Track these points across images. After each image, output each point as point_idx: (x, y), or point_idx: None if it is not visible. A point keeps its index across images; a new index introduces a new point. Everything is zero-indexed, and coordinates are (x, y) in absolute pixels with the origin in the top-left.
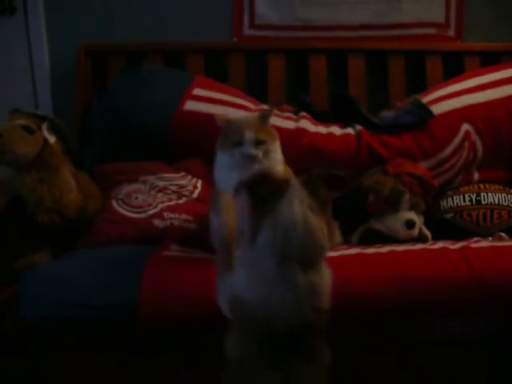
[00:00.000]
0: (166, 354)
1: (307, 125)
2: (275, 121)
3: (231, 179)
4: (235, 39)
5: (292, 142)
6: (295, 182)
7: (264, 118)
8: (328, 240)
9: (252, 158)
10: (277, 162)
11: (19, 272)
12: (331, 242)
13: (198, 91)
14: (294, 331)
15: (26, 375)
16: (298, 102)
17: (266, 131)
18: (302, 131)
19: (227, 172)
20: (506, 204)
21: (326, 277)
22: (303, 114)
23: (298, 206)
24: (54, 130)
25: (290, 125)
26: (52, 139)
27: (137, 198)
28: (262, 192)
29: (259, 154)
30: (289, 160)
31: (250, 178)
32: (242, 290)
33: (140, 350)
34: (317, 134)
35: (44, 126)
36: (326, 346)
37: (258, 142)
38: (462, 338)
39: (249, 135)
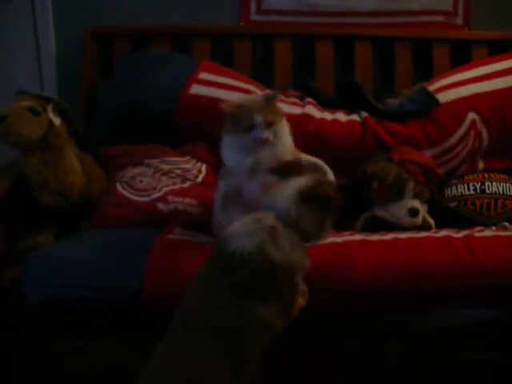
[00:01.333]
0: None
1: (313, 111)
2: (281, 106)
3: (245, 162)
4: (242, 24)
5: (298, 127)
6: None
7: (270, 99)
8: None
9: (264, 141)
10: (286, 140)
11: (23, 253)
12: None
13: (203, 75)
14: None
15: (28, 356)
16: (304, 88)
17: (273, 112)
18: (307, 117)
19: (239, 155)
20: (511, 193)
21: None
22: (309, 99)
23: None
24: (59, 111)
25: (295, 110)
26: (57, 121)
27: (141, 181)
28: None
29: (270, 136)
30: (294, 146)
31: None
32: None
33: (142, 334)
34: (322, 120)
35: (49, 108)
36: None
37: (268, 124)
38: (464, 325)
39: (258, 119)
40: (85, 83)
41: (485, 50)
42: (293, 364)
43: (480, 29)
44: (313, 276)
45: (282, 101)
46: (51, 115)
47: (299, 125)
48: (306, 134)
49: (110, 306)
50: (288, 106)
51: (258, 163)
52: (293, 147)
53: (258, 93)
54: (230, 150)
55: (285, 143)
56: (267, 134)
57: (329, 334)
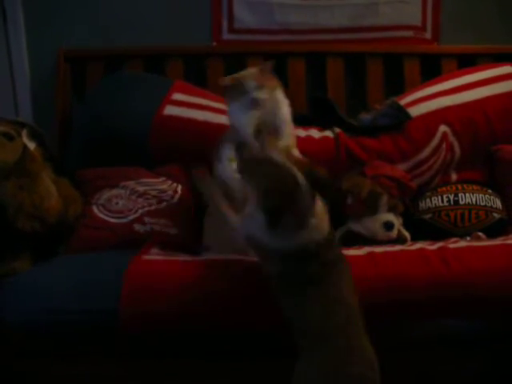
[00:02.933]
0: (145, 358)
1: None
2: None
3: (248, 119)
4: (214, 43)
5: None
6: None
7: (263, 70)
8: None
9: (257, 101)
10: (281, 101)
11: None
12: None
13: (177, 96)
14: None
15: (6, 380)
16: None
17: (265, 78)
18: None
19: (243, 115)
20: (484, 204)
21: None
22: None
23: None
24: (33, 136)
25: None
26: (32, 146)
27: (117, 203)
28: None
29: (262, 95)
30: None
31: None
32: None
33: (120, 355)
34: (296, 136)
35: (24, 133)
36: None
37: (259, 87)
38: (441, 338)
39: (251, 83)
40: (59, 106)
41: (454, 63)
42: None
43: (448, 43)
44: None
45: None
46: (26, 140)
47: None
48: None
49: (88, 329)
50: None
51: (262, 122)
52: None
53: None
54: (235, 113)
55: (282, 107)
56: (259, 95)
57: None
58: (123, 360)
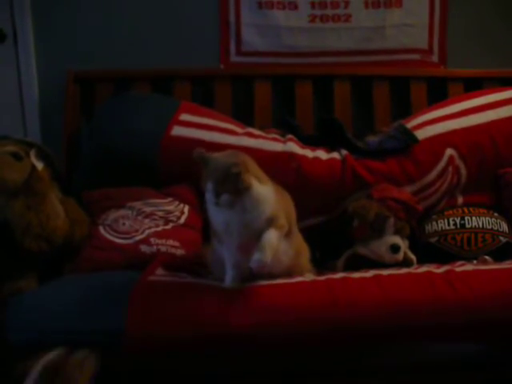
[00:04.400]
0: (152, 379)
1: (294, 147)
2: (262, 143)
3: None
4: (222, 66)
5: (278, 164)
6: None
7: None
8: None
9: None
10: (259, 207)
11: (5, 298)
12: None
13: (184, 116)
14: None
15: None
16: (285, 125)
17: (232, 182)
18: (289, 154)
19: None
20: (490, 227)
21: None
22: (290, 136)
23: None
24: (41, 156)
25: (276, 147)
26: (40, 166)
27: (124, 224)
28: None
29: (220, 202)
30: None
31: None
32: None
33: (126, 376)
34: (303, 157)
35: (32, 153)
36: None
37: (220, 192)
38: (448, 362)
39: (210, 185)
40: (68, 127)
41: (460, 86)
42: None
43: (455, 66)
44: (294, 314)
45: (263, 137)
46: (34, 160)
47: (280, 161)
48: (287, 171)
49: (93, 349)
50: (269, 142)
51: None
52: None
53: (238, 131)
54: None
55: (257, 210)
56: (217, 200)
57: (313, 370)
58: (129, 381)
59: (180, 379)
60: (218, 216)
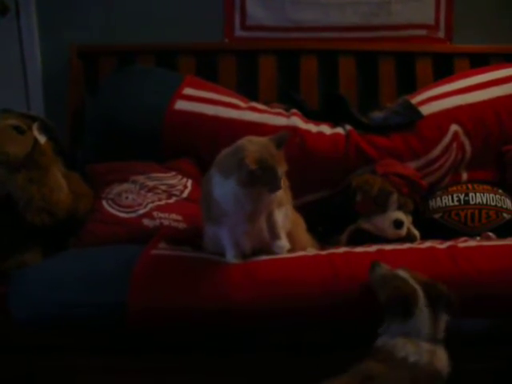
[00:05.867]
0: (154, 352)
1: (298, 122)
2: (265, 118)
3: (248, 209)
4: (226, 40)
5: None
6: None
7: (281, 143)
8: None
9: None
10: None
11: (9, 271)
12: None
13: (188, 91)
14: None
15: (15, 374)
16: (289, 100)
17: (282, 157)
18: (292, 128)
19: (241, 203)
20: (494, 204)
21: None
22: (294, 110)
23: None
24: (44, 130)
25: (281, 121)
26: (42, 139)
27: (127, 198)
28: None
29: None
30: None
31: None
32: None
33: (129, 349)
34: (307, 131)
35: (34, 126)
36: None
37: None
38: (449, 337)
39: (280, 173)
40: (71, 101)
41: (466, 62)
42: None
43: (461, 42)
44: (295, 288)
45: (267, 112)
46: (36, 133)
47: None
48: (291, 145)
49: (97, 322)
50: (273, 117)
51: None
52: None
53: (242, 106)
54: (231, 195)
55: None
56: (283, 184)
57: (313, 343)
58: (132, 353)
59: (181, 351)
60: (251, 199)
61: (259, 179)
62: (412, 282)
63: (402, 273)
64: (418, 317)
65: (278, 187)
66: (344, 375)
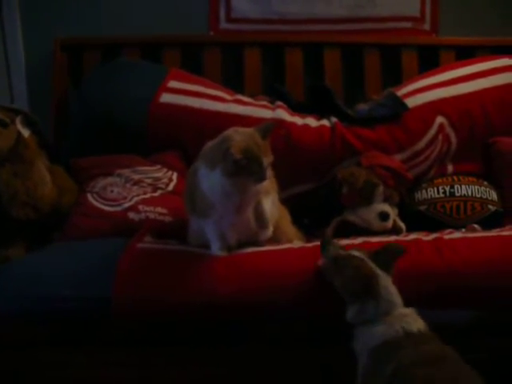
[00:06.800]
0: (140, 346)
1: (283, 114)
2: (251, 111)
3: (236, 200)
4: (211, 33)
5: None
6: None
7: (265, 135)
8: None
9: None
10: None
11: None
12: None
13: (173, 83)
14: None
15: (1, 369)
16: (275, 92)
17: (267, 148)
18: (278, 121)
19: (228, 194)
20: (480, 196)
21: None
22: (279, 103)
23: None
24: (28, 123)
25: (265, 114)
26: (26, 133)
27: (112, 192)
28: None
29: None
30: None
31: None
32: None
33: (114, 343)
34: (293, 124)
35: (18, 120)
36: None
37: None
38: (434, 328)
39: (265, 163)
40: (55, 95)
41: (452, 54)
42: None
43: (447, 34)
44: (280, 280)
45: (252, 104)
46: (20, 127)
47: None
48: (276, 138)
49: (82, 316)
50: (258, 109)
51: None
52: None
53: (228, 98)
54: (218, 186)
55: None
56: (269, 174)
57: (299, 335)
58: (118, 347)
59: (167, 345)
60: (238, 189)
61: (244, 169)
62: (367, 259)
63: (356, 252)
64: (385, 292)
65: (263, 177)
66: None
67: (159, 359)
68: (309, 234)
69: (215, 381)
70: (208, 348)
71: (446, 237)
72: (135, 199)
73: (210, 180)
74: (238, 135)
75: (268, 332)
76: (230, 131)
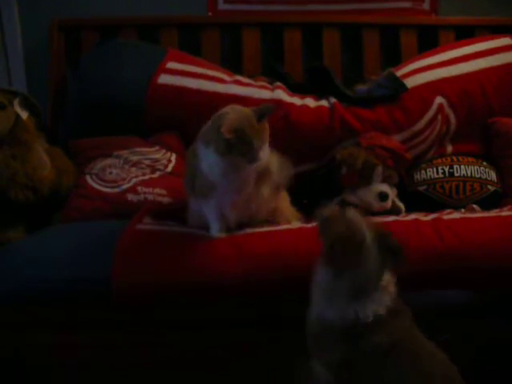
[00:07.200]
0: (142, 327)
1: (282, 95)
2: (250, 91)
3: (233, 179)
4: (210, 13)
5: None
6: None
7: (262, 117)
8: None
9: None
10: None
11: None
12: None
13: (171, 64)
14: None
15: (2, 351)
16: (273, 73)
17: (264, 129)
18: (276, 101)
19: (225, 173)
20: (479, 176)
21: None
22: (278, 84)
23: None
24: (26, 105)
25: (264, 94)
26: (24, 115)
27: (111, 173)
28: None
29: (263, 155)
30: None
31: None
32: None
33: (114, 325)
34: (291, 104)
35: (16, 102)
36: None
37: (262, 145)
38: (433, 309)
39: (256, 144)
40: (53, 76)
41: (451, 34)
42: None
43: (447, 14)
44: (280, 261)
45: (251, 85)
46: (18, 109)
47: None
48: (275, 119)
49: (81, 298)
50: (257, 90)
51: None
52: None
53: (226, 79)
54: (215, 166)
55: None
56: (261, 155)
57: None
58: (119, 329)
59: (168, 326)
60: (233, 168)
61: (235, 148)
62: (362, 224)
63: (352, 213)
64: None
65: (254, 159)
66: None
67: (161, 340)
68: (308, 215)
69: (217, 363)
70: (210, 329)
71: (445, 217)
72: (134, 180)
73: (208, 159)
74: (234, 113)
75: (270, 311)
76: (228, 108)
